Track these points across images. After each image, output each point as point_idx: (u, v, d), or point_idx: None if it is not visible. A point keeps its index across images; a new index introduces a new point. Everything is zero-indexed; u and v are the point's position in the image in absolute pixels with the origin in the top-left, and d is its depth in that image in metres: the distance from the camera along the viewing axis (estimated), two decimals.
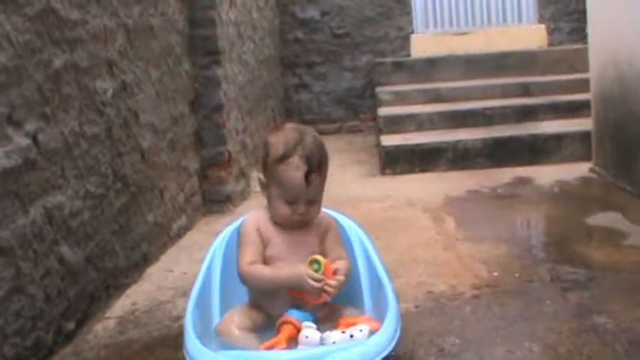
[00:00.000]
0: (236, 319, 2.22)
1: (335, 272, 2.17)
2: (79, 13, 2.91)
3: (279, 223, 2.33)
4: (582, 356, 2.24)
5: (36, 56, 2.54)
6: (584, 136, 5.22)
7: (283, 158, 2.24)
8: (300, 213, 2.27)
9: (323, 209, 2.44)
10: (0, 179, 2.27)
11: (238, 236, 2.39)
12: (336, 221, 2.49)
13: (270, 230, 2.33)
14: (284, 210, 2.28)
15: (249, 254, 2.29)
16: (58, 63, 2.70)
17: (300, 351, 1.93)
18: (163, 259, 3.64)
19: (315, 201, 2.29)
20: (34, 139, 2.49)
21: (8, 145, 2.33)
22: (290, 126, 2.37)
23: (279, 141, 2.28)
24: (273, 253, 2.31)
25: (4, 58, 2.33)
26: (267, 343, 2.05)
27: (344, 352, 1.79)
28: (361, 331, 2.00)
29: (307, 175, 2.21)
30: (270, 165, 2.29)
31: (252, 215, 2.40)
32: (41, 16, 2.59)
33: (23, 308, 2.34)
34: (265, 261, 2.31)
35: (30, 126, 2.47)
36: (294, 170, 2.22)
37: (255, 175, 2.66)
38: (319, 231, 2.37)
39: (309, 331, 2.04)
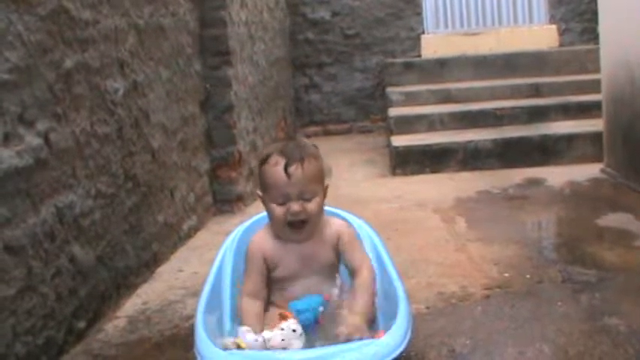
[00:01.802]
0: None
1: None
2: (91, 13, 2.92)
3: (283, 240, 2.30)
4: (593, 358, 2.23)
5: (47, 56, 2.55)
6: (595, 136, 5.20)
7: (265, 159, 2.26)
8: (293, 212, 2.22)
9: (333, 215, 2.43)
10: (11, 178, 2.28)
11: (245, 255, 2.37)
12: (349, 223, 2.48)
13: (277, 251, 2.30)
14: (278, 212, 2.24)
15: (251, 283, 2.30)
16: (69, 63, 2.71)
17: (311, 351, 1.92)
18: (174, 259, 3.64)
19: (308, 199, 2.23)
20: (46, 138, 2.50)
21: (20, 145, 2.34)
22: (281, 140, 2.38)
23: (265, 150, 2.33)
24: (284, 273, 2.30)
25: (16, 58, 2.34)
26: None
27: (355, 352, 1.79)
28: (294, 331, 2.02)
29: (286, 168, 2.19)
30: (258, 172, 2.30)
31: (258, 236, 2.37)
32: (53, 16, 2.60)
33: (34, 307, 2.35)
34: (277, 282, 2.31)
35: (41, 125, 2.48)
36: (274, 166, 2.21)
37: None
38: (332, 241, 2.34)
39: (249, 335, 2.02)
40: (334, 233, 2.35)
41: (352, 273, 2.31)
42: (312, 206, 2.24)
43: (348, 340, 1.95)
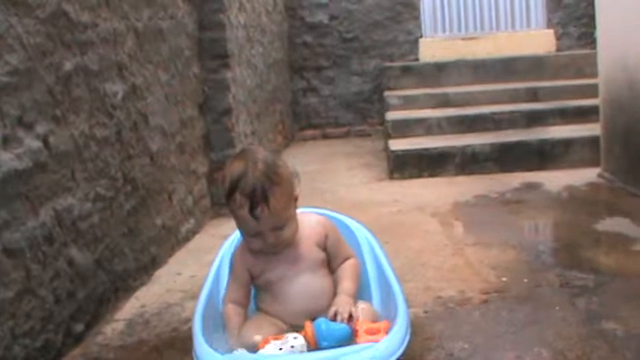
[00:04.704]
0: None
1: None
2: (90, 16, 2.93)
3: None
4: None
5: (47, 59, 2.55)
6: (593, 141, 5.21)
7: (229, 196, 2.17)
8: (269, 243, 2.20)
9: (313, 213, 2.44)
10: (10, 181, 2.28)
11: (229, 264, 2.38)
12: (329, 218, 2.47)
13: (260, 262, 2.27)
14: (254, 244, 2.22)
15: (232, 291, 2.31)
16: (68, 66, 2.71)
17: (310, 355, 1.92)
18: (172, 262, 3.64)
19: (281, 227, 2.19)
20: (45, 141, 2.50)
21: (19, 148, 2.34)
22: (239, 155, 2.26)
23: (226, 175, 2.20)
24: (271, 277, 2.27)
25: (15, 61, 2.34)
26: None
27: (354, 355, 1.79)
28: (295, 338, 1.99)
29: (251, 211, 2.12)
30: (225, 198, 2.23)
31: (239, 249, 2.34)
32: (52, 19, 2.60)
33: (33, 310, 2.35)
34: (266, 286, 2.29)
35: (41, 128, 2.48)
36: (239, 208, 2.15)
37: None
38: (317, 239, 2.32)
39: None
40: (317, 230, 2.34)
41: (338, 266, 2.36)
42: (287, 232, 2.21)
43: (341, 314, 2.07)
